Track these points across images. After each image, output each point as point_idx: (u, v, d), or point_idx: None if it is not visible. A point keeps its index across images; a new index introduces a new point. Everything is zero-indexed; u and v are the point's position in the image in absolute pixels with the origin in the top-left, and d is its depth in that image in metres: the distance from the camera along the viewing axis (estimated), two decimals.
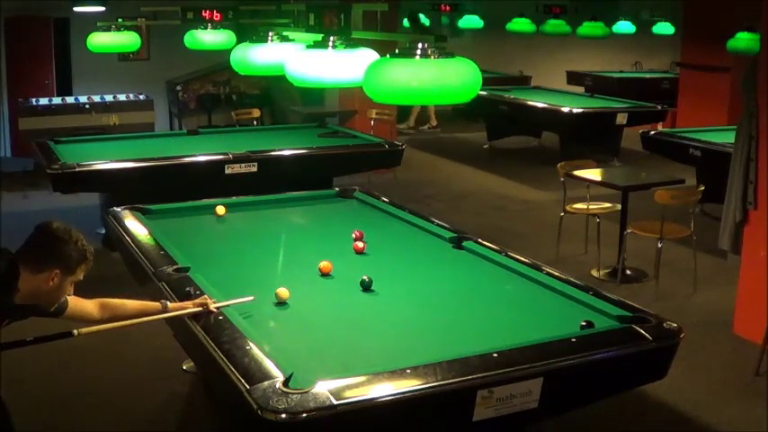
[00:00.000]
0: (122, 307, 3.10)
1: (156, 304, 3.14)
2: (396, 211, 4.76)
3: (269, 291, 3.39)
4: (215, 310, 3.08)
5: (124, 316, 3.10)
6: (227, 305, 3.14)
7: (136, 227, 4.24)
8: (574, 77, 14.05)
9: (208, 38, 7.12)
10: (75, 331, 2.92)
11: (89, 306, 3.02)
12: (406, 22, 12.90)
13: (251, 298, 3.24)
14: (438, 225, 4.38)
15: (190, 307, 3.09)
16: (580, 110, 9.82)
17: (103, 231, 6.08)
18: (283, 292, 3.29)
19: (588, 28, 12.54)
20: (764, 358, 4.52)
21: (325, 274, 3.63)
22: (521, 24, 13.06)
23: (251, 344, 2.75)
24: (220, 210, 4.70)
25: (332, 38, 3.61)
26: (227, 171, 6.15)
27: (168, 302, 3.16)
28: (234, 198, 4.95)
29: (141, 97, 10.18)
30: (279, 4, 6.67)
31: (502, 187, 9.27)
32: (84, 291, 4.04)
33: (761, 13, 5.11)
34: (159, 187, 5.74)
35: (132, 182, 5.99)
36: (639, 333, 2.94)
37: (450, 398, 2.56)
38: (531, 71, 14.42)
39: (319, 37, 3.72)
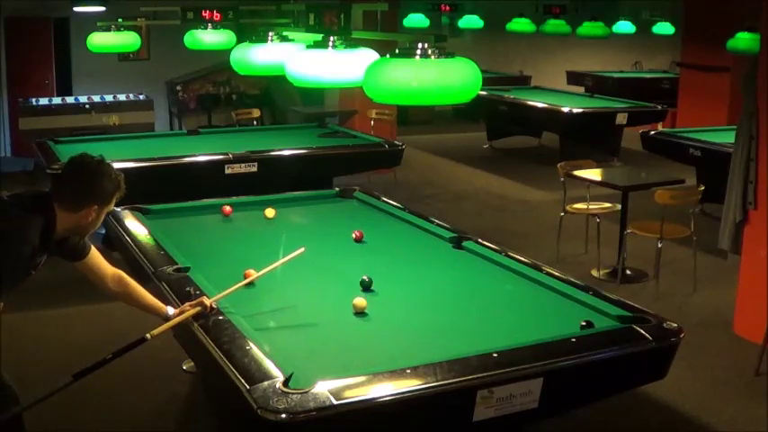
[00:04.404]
0: (135, 291, 3.11)
1: (163, 307, 3.14)
2: (396, 211, 4.76)
3: (269, 290, 3.39)
4: (214, 306, 3.08)
5: (132, 300, 3.11)
6: (224, 295, 3.14)
7: (136, 227, 4.24)
8: (574, 77, 14.05)
9: (208, 38, 7.12)
10: (148, 335, 2.96)
11: (107, 270, 3.05)
12: (406, 22, 12.89)
13: (302, 250, 3.42)
14: (438, 225, 4.38)
15: (188, 309, 3.06)
16: (580, 110, 9.82)
17: (103, 231, 6.07)
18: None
19: (588, 28, 12.54)
20: (764, 358, 4.52)
21: (358, 312, 3.25)
22: (521, 24, 13.05)
23: (251, 344, 2.75)
24: (270, 212, 4.65)
25: (332, 38, 3.61)
26: (228, 171, 6.15)
27: (170, 309, 3.13)
28: (234, 198, 4.95)
29: (141, 97, 10.18)
30: (279, 4, 6.68)
31: (502, 187, 9.27)
32: (82, 289, 4.03)
33: (761, 13, 5.11)
34: (159, 187, 5.74)
35: (132, 182, 5.96)
36: (639, 333, 2.94)
37: (450, 398, 2.56)
38: (531, 71, 14.43)
39: (319, 37, 3.72)
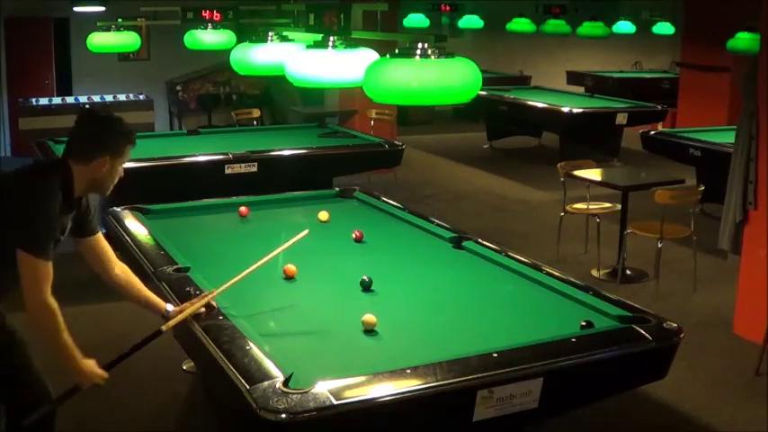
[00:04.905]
0: (137, 284, 3.14)
1: (162, 303, 3.14)
2: (396, 211, 4.76)
3: (269, 290, 3.39)
4: (214, 305, 3.07)
5: (133, 292, 3.13)
6: (225, 289, 3.14)
7: (136, 227, 4.24)
8: (574, 77, 14.05)
9: (208, 38, 7.12)
10: (163, 327, 2.99)
11: (113, 256, 3.09)
12: (406, 22, 12.89)
13: (305, 232, 3.44)
14: (438, 225, 4.38)
15: (189, 308, 3.05)
16: (580, 110, 9.82)
17: (104, 231, 6.08)
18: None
19: (588, 28, 12.54)
20: (764, 358, 4.52)
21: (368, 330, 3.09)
22: (521, 24, 13.06)
23: (251, 344, 2.75)
24: (323, 215, 4.58)
25: (332, 38, 3.61)
26: (228, 171, 6.14)
27: (170, 307, 3.13)
28: (234, 198, 4.95)
29: (141, 97, 10.18)
30: (279, 4, 6.68)
31: (502, 187, 9.27)
32: (83, 289, 4.04)
33: (761, 13, 5.11)
34: (159, 187, 5.74)
35: (132, 182, 5.96)
36: (639, 333, 2.94)
37: (450, 398, 2.56)
38: (531, 71, 14.43)
39: (319, 37, 3.72)
